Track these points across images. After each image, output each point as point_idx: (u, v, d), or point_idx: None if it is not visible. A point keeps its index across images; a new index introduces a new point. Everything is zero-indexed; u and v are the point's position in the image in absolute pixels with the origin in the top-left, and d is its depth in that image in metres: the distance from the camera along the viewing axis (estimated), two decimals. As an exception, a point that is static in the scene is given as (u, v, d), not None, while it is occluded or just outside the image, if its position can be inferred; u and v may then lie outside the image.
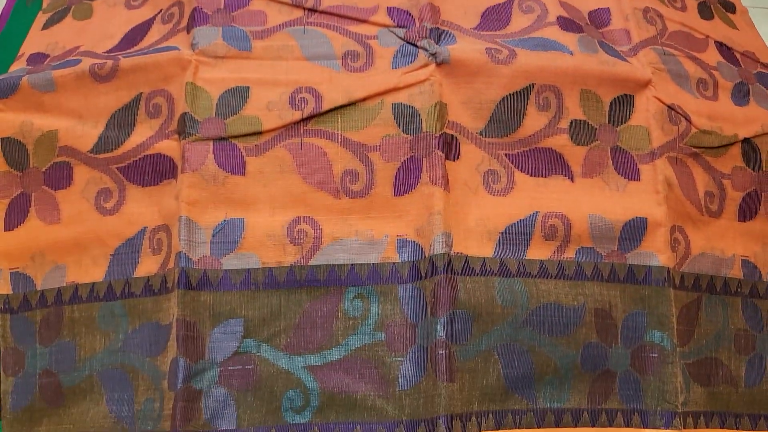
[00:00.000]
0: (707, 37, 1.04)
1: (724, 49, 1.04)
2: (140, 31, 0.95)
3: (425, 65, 0.88)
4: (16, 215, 0.87)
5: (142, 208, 0.85)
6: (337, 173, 0.84)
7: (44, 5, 1.05)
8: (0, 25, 1.06)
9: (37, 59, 0.96)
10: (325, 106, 0.86)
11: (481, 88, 0.89)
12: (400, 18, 0.93)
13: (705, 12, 1.08)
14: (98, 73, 0.88)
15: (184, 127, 0.84)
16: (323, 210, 0.84)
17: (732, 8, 1.13)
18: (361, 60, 0.89)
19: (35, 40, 1.00)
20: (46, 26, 1.01)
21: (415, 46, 0.90)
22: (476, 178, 0.87)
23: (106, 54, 0.93)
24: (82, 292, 0.84)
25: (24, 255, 0.87)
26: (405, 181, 0.84)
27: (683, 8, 1.06)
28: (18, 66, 0.96)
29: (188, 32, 0.90)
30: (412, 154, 0.85)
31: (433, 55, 0.88)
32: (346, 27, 0.92)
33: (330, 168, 0.84)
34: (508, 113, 0.89)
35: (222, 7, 0.92)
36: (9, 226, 0.87)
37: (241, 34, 0.90)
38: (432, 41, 0.90)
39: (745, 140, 0.96)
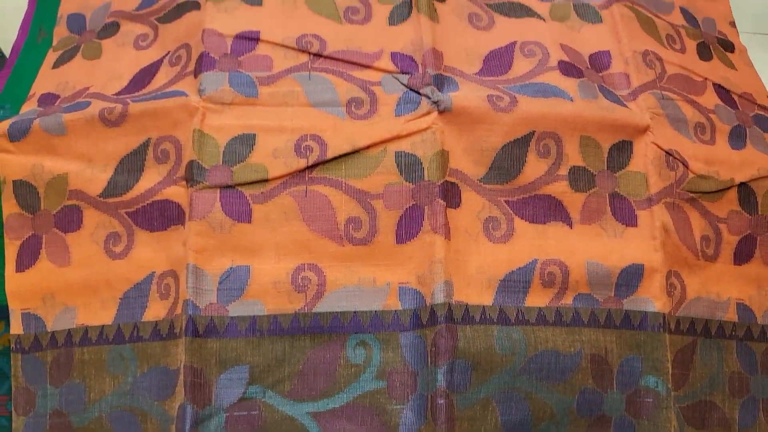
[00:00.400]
0: (706, 79, 1.06)
1: (722, 91, 1.06)
2: (148, 73, 0.97)
3: (427, 113, 0.90)
4: (28, 257, 0.89)
5: (150, 253, 0.87)
6: (340, 221, 0.86)
7: (54, 43, 1.07)
8: (11, 62, 1.08)
9: (48, 100, 0.98)
10: (330, 154, 0.88)
11: (482, 135, 0.90)
12: (404, 64, 0.95)
13: (704, 53, 1.10)
14: (107, 118, 0.89)
15: (192, 175, 0.86)
16: (327, 257, 0.86)
17: (731, 48, 1.14)
18: (365, 107, 0.91)
19: (46, 80, 1.02)
20: (56, 65, 1.03)
21: (418, 93, 0.92)
22: (477, 225, 0.89)
23: (115, 96, 0.95)
24: (91, 334, 0.87)
25: (35, 296, 0.89)
26: (407, 229, 0.86)
27: (682, 50, 1.08)
28: (29, 107, 0.98)
29: (195, 77, 0.92)
30: (414, 203, 0.87)
31: (436, 103, 0.90)
32: (350, 72, 0.94)
33: (334, 215, 0.86)
34: (508, 160, 0.91)
35: (228, 51, 0.94)
36: (20, 268, 0.89)
37: (248, 80, 0.92)
38: (434, 88, 0.91)
39: (742, 184, 0.98)
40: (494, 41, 1.00)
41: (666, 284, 0.90)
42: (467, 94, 0.91)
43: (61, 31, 1.08)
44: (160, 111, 0.89)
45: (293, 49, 0.95)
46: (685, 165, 0.95)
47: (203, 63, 0.92)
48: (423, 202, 0.87)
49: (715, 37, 1.14)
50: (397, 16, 1.00)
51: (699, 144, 0.98)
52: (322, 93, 0.92)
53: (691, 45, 1.10)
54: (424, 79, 0.92)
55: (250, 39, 0.95)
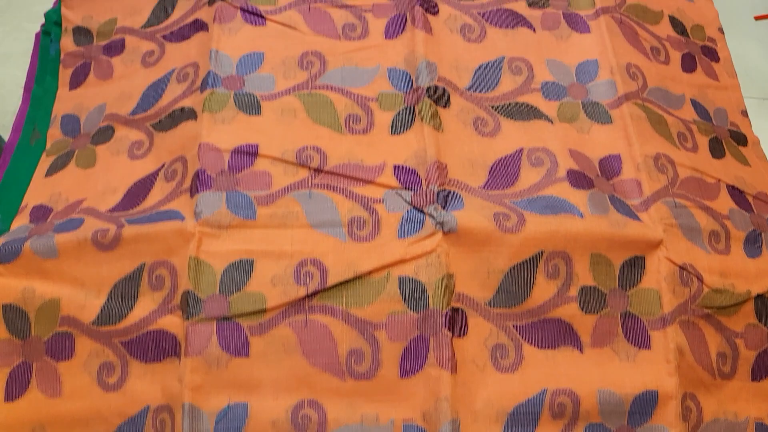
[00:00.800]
0: (719, 180, 1.02)
1: (736, 193, 1.03)
2: (143, 187, 0.94)
3: (432, 234, 0.87)
4: (17, 386, 0.86)
5: (145, 385, 0.84)
6: (342, 353, 0.83)
7: (48, 146, 1.04)
8: (3, 162, 1.05)
9: (40, 213, 0.96)
10: (331, 281, 0.84)
11: (489, 257, 0.87)
12: (407, 178, 0.92)
13: (716, 150, 1.07)
14: (101, 242, 0.87)
15: (187, 307, 0.83)
16: (328, 393, 0.82)
17: (743, 140, 1.11)
18: (367, 228, 0.88)
19: (38, 189, 0.99)
20: (49, 172, 1.00)
21: (422, 212, 0.89)
22: (484, 354, 0.85)
23: (108, 213, 0.92)
24: (83, 471, 0.83)
25: (25, 428, 0.85)
26: (411, 362, 0.83)
27: (694, 148, 1.04)
28: (21, 220, 0.95)
29: (192, 196, 0.89)
30: (419, 333, 0.83)
31: (440, 223, 0.87)
32: (352, 189, 0.91)
33: (335, 348, 0.83)
34: (516, 284, 0.87)
35: (226, 168, 0.91)
36: (10, 397, 0.86)
37: (246, 200, 0.88)
38: (439, 206, 0.88)
39: (758, 296, 0.94)
40: (500, 149, 0.97)
41: (681, 409, 0.86)
42: (473, 214, 0.88)
43: (54, 133, 1.05)
44: (155, 236, 0.86)
45: (293, 163, 0.92)
46: (700, 279, 0.91)
47: (199, 182, 0.89)
48: (428, 333, 0.83)
49: (727, 131, 1.11)
50: (400, 125, 0.97)
51: (713, 254, 0.95)
52: (322, 213, 0.89)
53: (703, 142, 1.06)
54: (428, 197, 0.89)
55: (249, 153, 0.92)
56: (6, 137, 1.48)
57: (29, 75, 1.14)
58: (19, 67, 1.64)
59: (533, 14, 1.10)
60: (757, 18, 1.74)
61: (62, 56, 1.12)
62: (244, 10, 1.05)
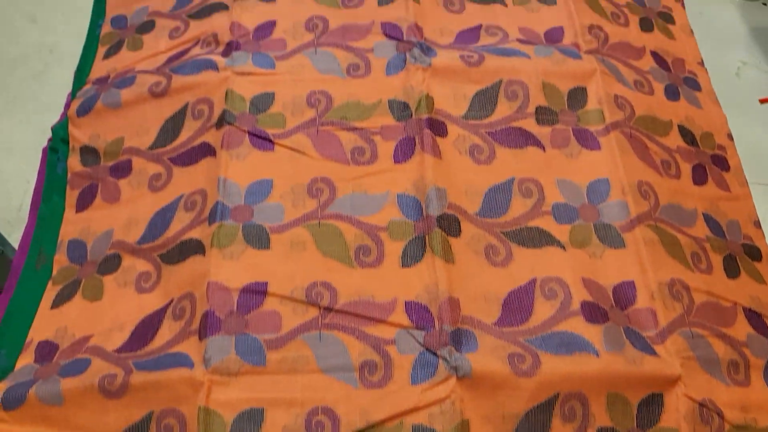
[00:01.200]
0: (735, 304, 1.01)
1: (753, 316, 1.01)
2: (151, 325, 0.93)
3: (446, 380, 0.85)
4: None
5: None
6: None
7: (54, 272, 1.03)
8: (9, 286, 1.04)
9: (46, 351, 0.94)
10: (343, 431, 0.82)
11: (504, 402, 0.85)
12: (419, 316, 0.90)
13: (731, 268, 1.05)
14: (108, 389, 0.85)
15: (197, 462, 0.81)
16: None
17: (758, 256, 1.10)
18: (379, 372, 0.87)
19: (44, 323, 0.98)
20: (55, 304, 0.99)
21: (435, 354, 0.87)
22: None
23: (116, 353, 0.91)
24: None
25: None
26: None
27: (709, 269, 1.03)
28: (26, 359, 0.94)
29: (200, 340, 0.87)
30: (434, 487, 0.81)
31: (454, 368, 0.85)
32: (362, 329, 0.89)
33: (348, 504, 0.81)
34: (532, 428, 0.85)
35: (235, 308, 0.90)
36: None
37: (255, 345, 0.87)
38: (452, 348, 0.87)
39: (780, 431, 0.92)
40: (513, 279, 0.96)
41: None
42: (487, 357, 0.86)
43: (61, 260, 1.04)
44: (164, 384, 0.85)
45: (302, 302, 0.91)
46: (721, 416, 0.89)
47: (208, 324, 0.88)
48: (444, 486, 0.81)
49: (740, 246, 1.09)
50: (411, 257, 0.96)
51: (733, 387, 0.93)
52: (333, 357, 0.87)
53: (717, 261, 1.05)
54: (441, 338, 0.88)
55: (258, 292, 0.91)
56: (10, 237, 1.47)
57: (36, 192, 1.13)
58: (25, 161, 1.63)
59: (542, 132, 1.10)
60: (762, 101, 1.74)
61: (69, 176, 1.11)
62: (252, 134, 1.05)
